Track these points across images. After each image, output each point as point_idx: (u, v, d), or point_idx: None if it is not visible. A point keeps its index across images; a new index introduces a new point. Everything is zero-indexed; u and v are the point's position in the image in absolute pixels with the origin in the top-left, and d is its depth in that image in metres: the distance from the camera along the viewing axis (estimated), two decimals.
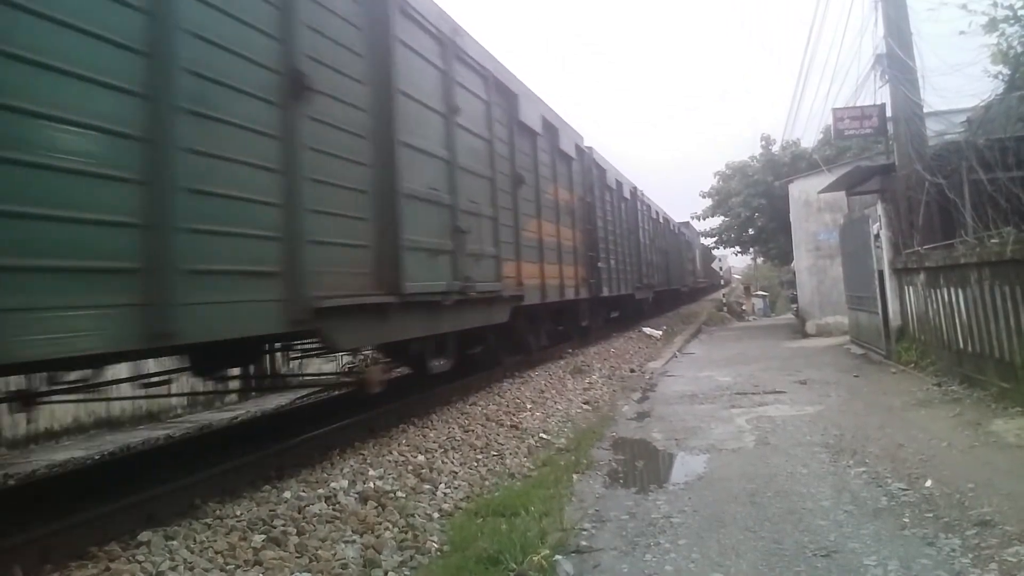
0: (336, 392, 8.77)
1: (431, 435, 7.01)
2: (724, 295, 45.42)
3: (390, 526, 4.61)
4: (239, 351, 6.32)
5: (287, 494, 4.98)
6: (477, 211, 8.22)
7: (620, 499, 5.27)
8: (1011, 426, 6.47)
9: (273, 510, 4.65)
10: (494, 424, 7.74)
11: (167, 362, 6.61)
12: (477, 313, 8.22)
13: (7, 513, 4.55)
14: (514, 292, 9.43)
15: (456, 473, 5.95)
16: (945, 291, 9.32)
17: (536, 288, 10.55)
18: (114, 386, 6.77)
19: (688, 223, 37.52)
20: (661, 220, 26.89)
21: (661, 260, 25.58)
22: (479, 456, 6.55)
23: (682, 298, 34.91)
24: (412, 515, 4.82)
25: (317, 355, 8.18)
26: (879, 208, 12.30)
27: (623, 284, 17.71)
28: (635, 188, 21.31)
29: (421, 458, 6.19)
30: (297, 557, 4.03)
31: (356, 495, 5.09)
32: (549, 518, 4.64)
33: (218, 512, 4.60)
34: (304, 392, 8.82)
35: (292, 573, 3.80)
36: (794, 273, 21.65)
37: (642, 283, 20.63)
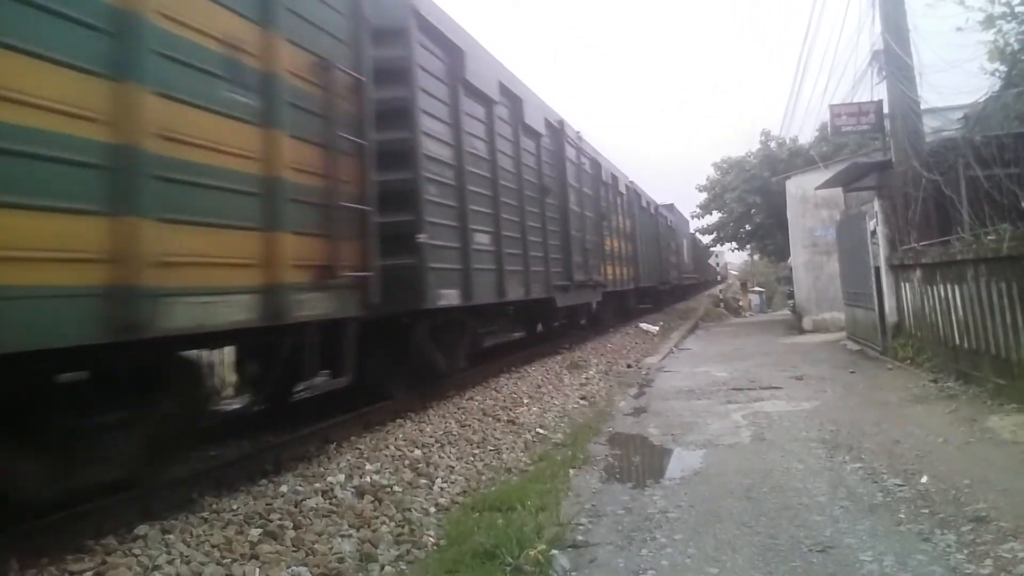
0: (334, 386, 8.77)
1: (428, 430, 7.01)
2: (721, 291, 45.48)
3: (387, 520, 4.61)
4: None
5: (284, 488, 4.98)
6: None
7: (616, 494, 5.28)
8: (1007, 422, 6.48)
9: (270, 504, 4.65)
10: (491, 419, 7.74)
11: None
12: None
13: (3, 506, 4.55)
14: None
15: (453, 468, 5.96)
16: (941, 288, 9.33)
17: None
18: None
19: (672, 206, 31.64)
20: (623, 190, 19.15)
21: (623, 248, 18.53)
22: (476, 451, 6.55)
23: (662, 298, 27.87)
24: (409, 509, 4.82)
25: None
26: (876, 204, 12.31)
27: (524, 282, 10.45)
28: (561, 121, 13.27)
29: (418, 453, 6.19)
30: (294, 551, 4.03)
31: (353, 489, 5.09)
32: (545, 513, 4.65)
33: (215, 506, 4.60)
34: (301, 386, 8.70)
35: (289, 567, 3.80)
36: (791, 269, 21.67)
37: (573, 280, 13.02)
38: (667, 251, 27.88)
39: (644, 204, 23.33)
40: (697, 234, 37.24)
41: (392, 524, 4.57)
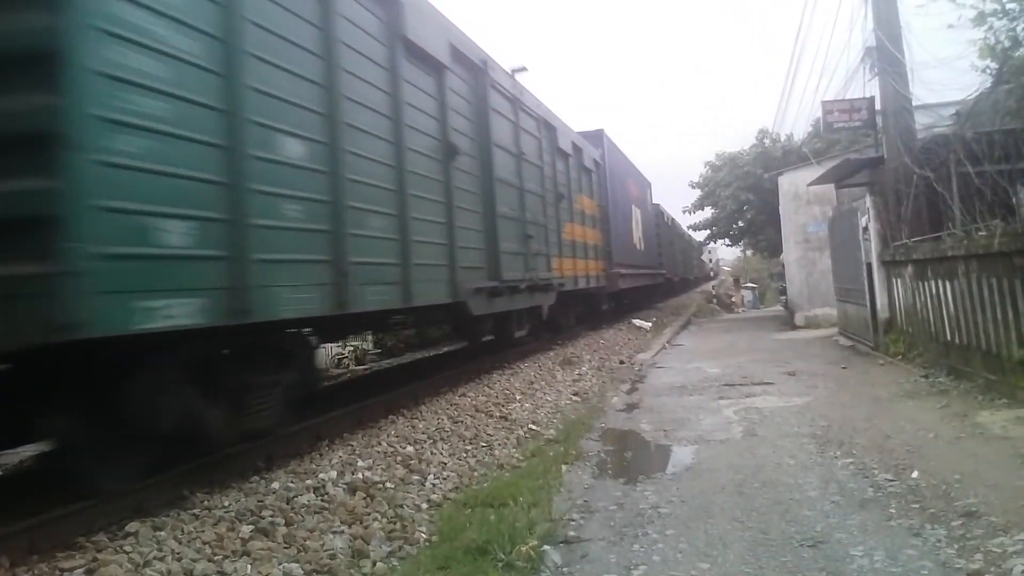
0: (324, 383, 8.79)
1: (420, 426, 7.01)
2: (714, 287, 45.55)
3: (379, 517, 4.61)
4: None
5: (275, 485, 4.97)
6: None
7: (608, 490, 5.28)
8: (997, 418, 6.50)
9: (261, 501, 4.65)
10: (483, 415, 7.74)
11: None
12: None
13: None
14: None
15: (445, 464, 5.95)
16: (933, 283, 9.36)
17: None
18: None
19: (601, 133, 18.62)
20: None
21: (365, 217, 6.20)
22: (468, 447, 6.55)
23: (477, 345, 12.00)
24: (401, 506, 4.82)
25: None
26: (868, 201, 12.33)
27: None
28: None
29: (410, 449, 6.19)
30: (285, 548, 4.03)
31: (345, 486, 5.09)
32: (537, 509, 4.65)
33: (206, 503, 4.59)
34: None
35: (280, 564, 3.80)
36: (783, 265, 21.71)
37: None
38: (557, 209, 13.18)
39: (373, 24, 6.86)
40: (664, 209, 29.91)
41: (384, 520, 4.57)
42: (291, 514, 4.47)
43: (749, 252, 44.88)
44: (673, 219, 33.47)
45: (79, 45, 3.64)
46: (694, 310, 28.07)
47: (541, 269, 11.70)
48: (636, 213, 22.53)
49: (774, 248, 27.00)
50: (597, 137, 18.29)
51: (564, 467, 5.84)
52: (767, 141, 26.70)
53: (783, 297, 23.39)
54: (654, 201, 28.54)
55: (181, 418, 4.74)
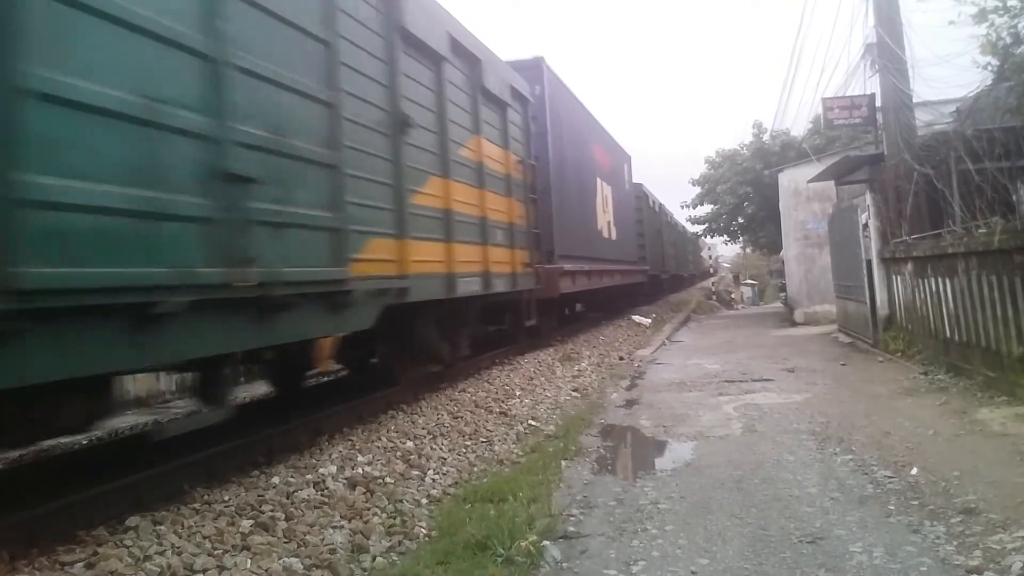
0: (326, 378, 8.81)
1: (420, 421, 7.01)
2: (713, 284, 45.57)
3: (378, 512, 4.61)
4: None
5: (275, 480, 4.97)
6: None
7: (608, 485, 5.29)
8: (996, 415, 6.51)
9: (261, 495, 4.65)
10: (483, 411, 7.75)
11: None
12: None
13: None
14: None
15: (445, 459, 5.96)
16: (932, 281, 9.37)
17: None
18: None
19: (541, 64, 12.64)
20: None
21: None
22: (468, 442, 6.56)
23: None
24: (400, 501, 4.82)
25: None
26: (868, 198, 12.34)
27: None
28: None
29: (410, 444, 6.19)
30: (285, 542, 4.03)
31: (345, 481, 5.09)
32: (537, 504, 4.65)
33: (206, 497, 4.59)
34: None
35: (280, 558, 3.79)
36: (783, 262, 21.73)
37: None
38: (396, 146, 6.56)
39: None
40: (649, 191, 26.17)
41: (384, 515, 4.57)
42: (291, 509, 4.47)
43: (748, 249, 44.84)
44: (661, 204, 28.91)
45: None
46: (694, 307, 28.10)
47: (304, 259, 5.11)
48: (604, 190, 17.22)
49: (774, 245, 26.99)
50: (534, 69, 12.25)
51: (564, 463, 5.84)
52: (765, 138, 26.65)
53: (782, 294, 23.42)
54: (635, 180, 23.70)
55: None
